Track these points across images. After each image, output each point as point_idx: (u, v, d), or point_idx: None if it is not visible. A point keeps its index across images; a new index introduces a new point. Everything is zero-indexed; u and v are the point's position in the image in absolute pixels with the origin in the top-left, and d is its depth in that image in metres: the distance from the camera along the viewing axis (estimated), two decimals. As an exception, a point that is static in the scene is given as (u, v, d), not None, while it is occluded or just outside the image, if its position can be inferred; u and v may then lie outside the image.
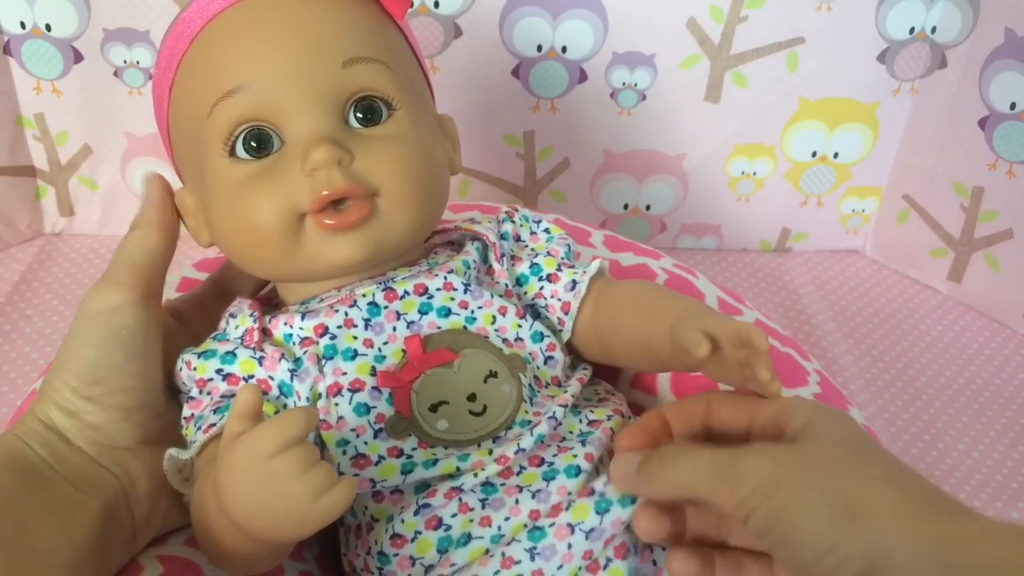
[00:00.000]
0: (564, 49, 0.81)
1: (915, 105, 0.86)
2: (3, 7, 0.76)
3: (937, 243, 0.89)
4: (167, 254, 0.47)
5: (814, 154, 0.88)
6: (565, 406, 0.46)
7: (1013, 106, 0.78)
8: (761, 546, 0.40)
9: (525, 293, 0.51)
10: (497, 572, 0.42)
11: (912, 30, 0.82)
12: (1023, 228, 0.82)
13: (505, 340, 0.48)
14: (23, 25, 0.77)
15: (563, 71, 0.82)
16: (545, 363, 0.49)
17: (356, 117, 0.45)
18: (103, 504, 0.43)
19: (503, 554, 0.42)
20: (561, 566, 0.42)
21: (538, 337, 0.49)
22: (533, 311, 0.51)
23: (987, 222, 0.84)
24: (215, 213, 0.46)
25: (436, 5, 0.78)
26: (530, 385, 0.47)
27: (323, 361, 0.45)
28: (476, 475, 0.43)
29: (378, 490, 0.44)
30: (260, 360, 0.45)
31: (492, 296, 0.48)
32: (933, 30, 0.82)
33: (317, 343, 0.45)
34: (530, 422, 0.45)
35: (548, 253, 0.52)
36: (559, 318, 0.50)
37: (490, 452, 0.44)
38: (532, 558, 0.42)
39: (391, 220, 0.45)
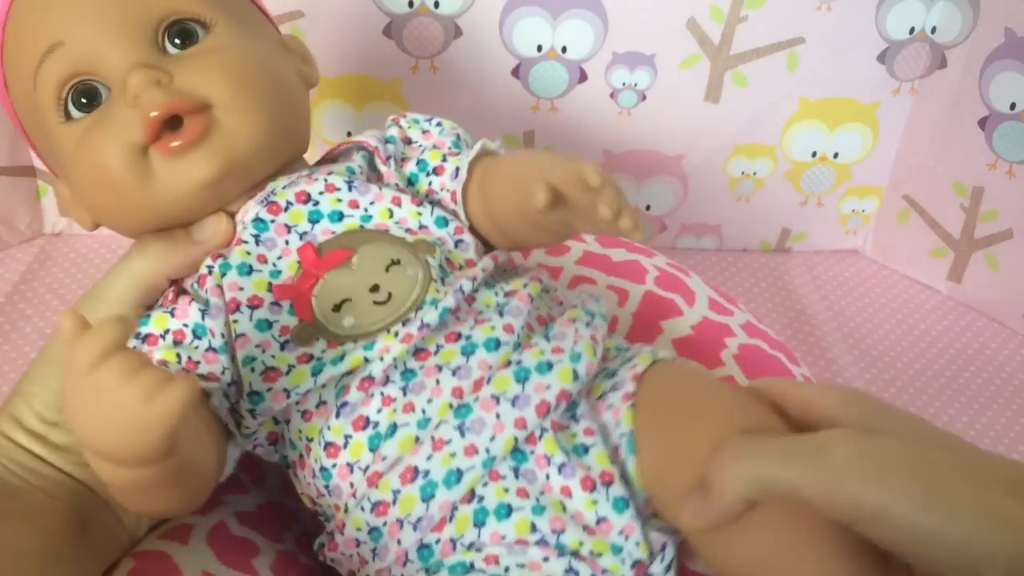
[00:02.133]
0: (564, 49, 0.81)
1: (915, 105, 0.86)
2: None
3: (937, 243, 0.89)
4: (155, 293, 0.46)
5: (814, 154, 0.88)
6: (473, 279, 0.45)
7: (1013, 106, 0.78)
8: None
9: (417, 192, 0.50)
10: (430, 456, 0.41)
11: (912, 30, 0.82)
12: (1023, 228, 0.82)
13: (408, 230, 0.47)
14: (23, 25, 0.77)
15: (563, 71, 0.82)
16: (456, 246, 0.48)
17: (173, 44, 0.45)
18: (79, 508, 0.43)
19: (432, 438, 0.42)
20: (494, 437, 0.41)
21: (442, 222, 0.48)
22: (431, 200, 0.49)
23: (987, 222, 0.84)
24: (74, 182, 0.46)
25: (436, 5, 0.78)
26: (440, 266, 0.46)
27: (223, 281, 0.44)
28: (383, 359, 0.42)
29: (305, 409, 0.44)
30: (172, 312, 0.45)
31: (381, 189, 0.48)
32: (933, 30, 0.82)
33: (213, 268, 0.45)
34: (439, 300, 0.44)
35: (434, 146, 0.51)
36: (453, 210, 0.49)
37: (396, 335, 0.43)
38: (462, 434, 0.41)
39: (233, 128, 0.44)
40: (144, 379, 0.34)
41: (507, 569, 0.41)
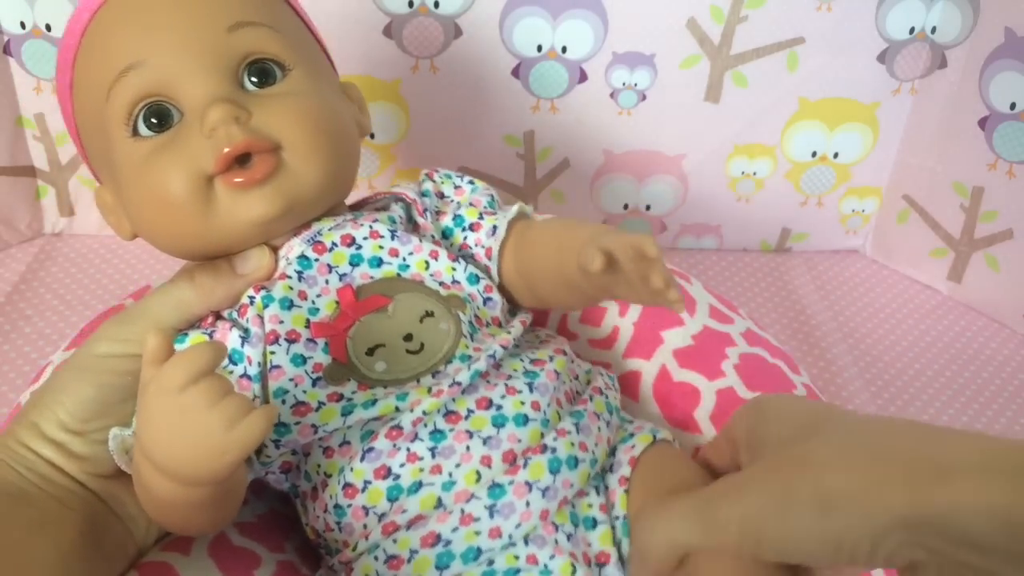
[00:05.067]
0: (564, 49, 0.81)
1: (915, 105, 0.86)
2: (3, 7, 0.76)
3: (937, 243, 0.89)
4: (194, 321, 0.47)
5: (814, 154, 0.88)
6: (506, 347, 0.47)
7: (1013, 106, 0.78)
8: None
9: (451, 245, 0.52)
10: (455, 529, 0.42)
11: (912, 30, 0.82)
12: (1023, 228, 0.82)
13: (442, 283, 0.49)
14: (23, 25, 0.77)
15: (563, 71, 0.82)
16: (484, 304, 0.50)
17: (251, 81, 0.46)
18: (92, 517, 0.43)
19: (462, 511, 0.42)
20: (519, 524, 0.42)
21: (474, 279, 0.50)
22: (465, 256, 0.51)
23: (987, 222, 0.84)
24: (129, 196, 0.47)
25: (436, 5, 0.78)
26: (470, 322, 0.48)
27: (264, 313, 0.46)
28: (413, 411, 0.43)
29: (328, 446, 0.45)
30: (210, 334, 0.46)
31: (421, 241, 0.50)
32: (933, 30, 0.82)
33: (255, 299, 0.46)
34: (470, 357, 0.46)
35: (471, 204, 0.53)
36: (485, 265, 0.51)
37: (429, 390, 0.44)
38: (491, 515, 0.42)
39: (298, 171, 0.45)
40: (230, 405, 0.36)
41: None
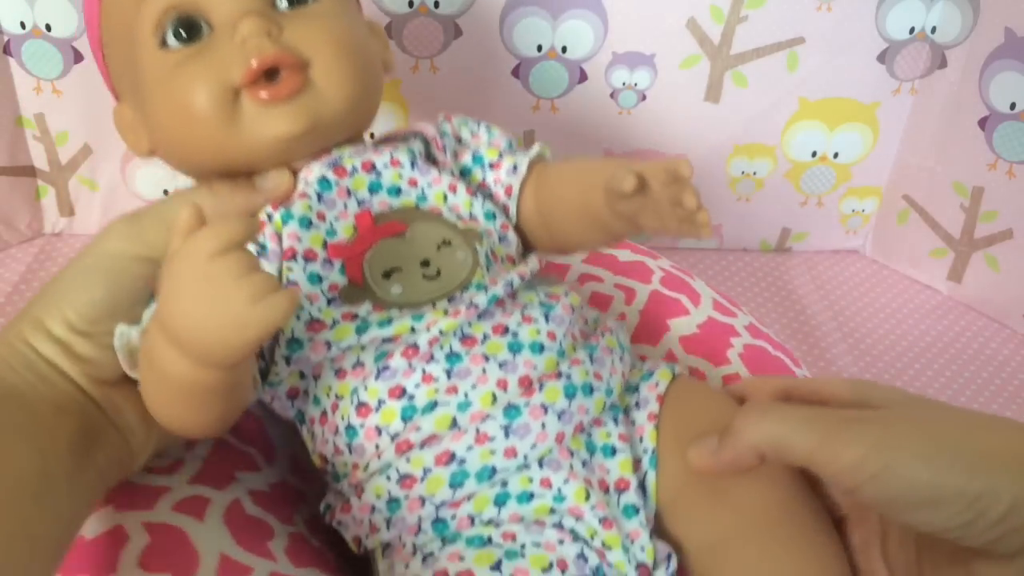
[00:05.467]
0: (564, 49, 0.81)
1: (915, 105, 0.86)
2: (3, 7, 0.76)
3: (937, 243, 0.89)
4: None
5: (814, 154, 0.88)
6: (523, 277, 0.47)
7: (1013, 106, 0.78)
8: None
9: (470, 183, 0.52)
10: (470, 447, 0.42)
11: (912, 30, 0.82)
12: (1023, 228, 0.82)
13: (459, 217, 0.49)
14: (23, 25, 0.77)
15: (563, 71, 0.82)
16: (500, 241, 0.50)
17: (283, 2, 0.46)
18: (87, 426, 0.42)
19: (477, 430, 0.43)
20: (535, 445, 0.43)
21: (491, 215, 0.50)
22: (484, 194, 0.52)
23: (987, 222, 0.84)
24: (151, 107, 0.47)
25: (436, 5, 0.78)
26: (486, 255, 0.48)
27: (282, 230, 0.46)
28: (429, 330, 0.43)
29: (340, 367, 0.44)
30: None
31: (441, 173, 0.50)
32: (933, 30, 0.82)
33: (273, 216, 0.46)
34: (486, 286, 0.46)
35: (490, 144, 0.53)
36: (504, 204, 0.52)
37: (445, 312, 0.45)
38: (507, 435, 0.43)
39: (325, 91, 0.45)
40: (256, 281, 0.36)
41: (523, 546, 0.42)
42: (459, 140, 0.54)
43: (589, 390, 0.45)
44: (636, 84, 0.83)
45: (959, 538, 0.34)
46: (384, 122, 0.84)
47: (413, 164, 0.49)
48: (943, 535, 0.35)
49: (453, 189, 0.50)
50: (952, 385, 0.79)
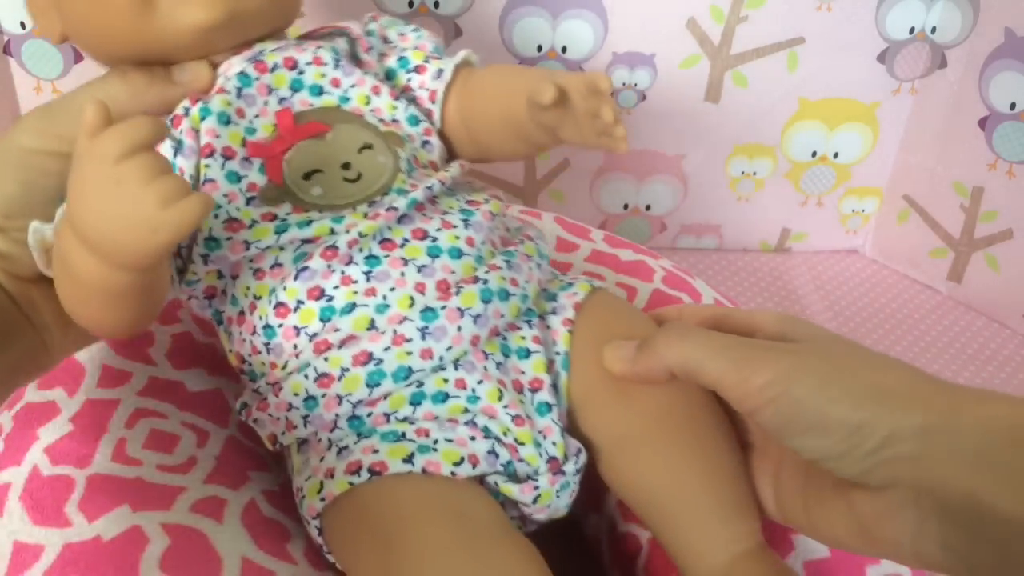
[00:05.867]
0: (564, 49, 0.81)
1: (915, 105, 0.86)
2: (3, 7, 0.76)
3: (937, 243, 0.89)
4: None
5: (814, 154, 0.88)
6: (443, 183, 0.47)
7: (1013, 106, 0.78)
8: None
9: (395, 86, 0.51)
10: (387, 348, 0.43)
11: (912, 30, 0.82)
12: (1023, 228, 0.82)
13: (381, 120, 0.49)
14: (23, 25, 0.77)
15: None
16: (423, 146, 0.50)
17: None
18: (1, 320, 0.42)
19: (394, 331, 0.43)
20: (450, 347, 0.43)
21: (414, 120, 0.50)
22: (407, 97, 0.51)
23: (987, 222, 0.84)
24: None
25: (436, 5, 0.78)
26: (408, 160, 0.48)
27: (200, 126, 0.45)
28: (349, 232, 0.43)
29: (259, 267, 0.44)
30: None
31: (365, 75, 0.49)
32: (933, 30, 0.82)
33: (190, 110, 0.45)
34: (407, 191, 0.46)
35: (416, 47, 0.53)
36: (428, 108, 0.51)
37: (365, 215, 0.44)
38: (423, 337, 0.43)
39: None
40: (167, 184, 0.35)
41: (435, 441, 0.43)
42: (386, 40, 0.54)
43: (505, 295, 0.45)
44: (636, 84, 0.83)
45: (836, 468, 0.37)
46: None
47: (337, 64, 0.49)
48: (823, 464, 0.37)
49: (376, 91, 0.49)
50: (952, 385, 0.79)
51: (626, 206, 0.91)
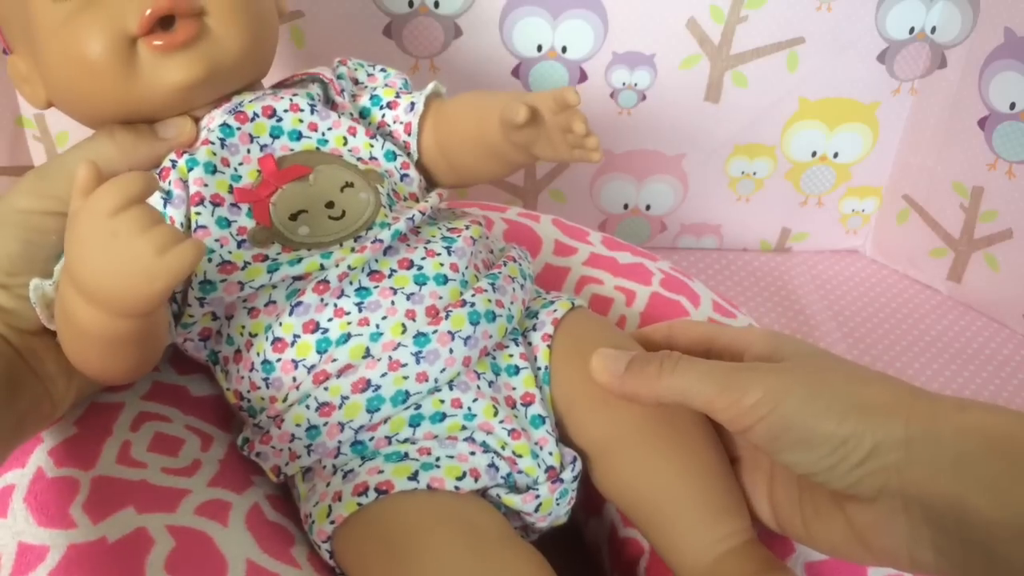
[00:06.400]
0: (564, 49, 0.81)
1: (915, 105, 0.86)
2: (3, 7, 0.76)
3: (937, 243, 0.89)
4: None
5: (814, 154, 0.88)
6: (424, 212, 0.49)
7: (1013, 106, 0.78)
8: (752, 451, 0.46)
9: (369, 124, 0.54)
10: (384, 374, 0.44)
11: (912, 30, 0.82)
12: (1023, 228, 0.82)
13: (359, 159, 0.51)
14: (23, 25, 0.77)
15: (563, 71, 0.82)
16: (401, 180, 0.52)
17: None
18: (7, 374, 0.43)
19: (390, 357, 0.44)
20: (444, 369, 0.45)
21: (391, 156, 0.52)
22: (382, 134, 0.53)
23: (987, 222, 0.84)
24: (47, 60, 0.47)
25: (436, 5, 0.78)
26: (388, 195, 0.50)
27: (188, 176, 0.46)
28: (338, 266, 0.45)
29: (253, 307, 0.46)
30: None
31: (340, 117, 0.51)
32: (933, 30, 0.82)
33: (177, 163, 0.47)
34: (389, 224, 0.48)
35: (386, 85, 0.55)
36: (404, 141, 0.53)
37: (352, 249, 0.46)
38: (417, 361, 0.45)
39: (221, 38, 0.46)
40: (160, 233, 0.37)
41: (438, 459, 0.45)
42: (356, 82, 0.56)
43: (492, 317, 0.47)
44: (636, 84, 0.83)
45: (825, 481, 0.38)
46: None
47: (313, 109, 0.51)
48: (813, 478, 0.38)
49: (353, 132, 0.51)
50: (952, 385, 0.79)
51: (626, 206, 0.91)
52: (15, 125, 0.82)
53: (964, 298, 0.89)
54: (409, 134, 0.53)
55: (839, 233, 0.95)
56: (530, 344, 0.49)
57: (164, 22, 0.44)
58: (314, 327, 0.45)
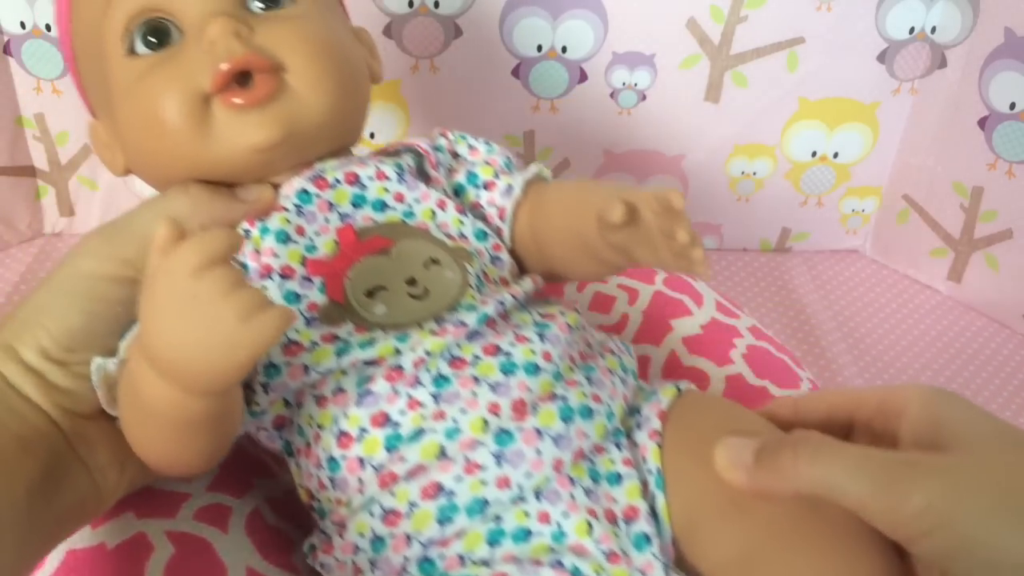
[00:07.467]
0: (564, 49, 0.81)
1: (915, 105, 0.86)
2: (3, 7, 0.76)
3: (937, 243, 0.89)
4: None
5: (814, 154, 0.88)
6: (516, 297, 0.45)
7: (1013, 106, 0.78)
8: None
9: (462, 202, 0.49)
10: (459, 478, 0.39)
11: (912, 30, 0.82)
12: (1023, 228, 0.82)
13: (448, 235, 0.46)
14: (23, 25, 0.77)
15: (563, 71, 0.82)
16: (492, 262, 0.47)
17: (257, 4, 0.44)
18: (52, 467, 0.39)
19: (466, 458, 0.39)
20: (530, 474, 0.39)
21: (482, 235, 0.48)
22: (475, 214, 0.49)
23: (987, 222, 0.84)
24: (122, 119, 0.45)
25: (436, 5, 0.78)
26: (477, 276, 0.45)
27: (260, 246, 0.43)
28: (415, 351, 0.41)
29: (321, 394, 0.42)
30: None
31: (430, 189, 0.47)
32: (933, 30, 0.82)
33: (250, 232, 0.44)
34: (476, 307, 0.43)
35: (486, 163, 0.51)
36: (497, 226, 0.49)
37: (432, 332, 0.42)
38: (499, 463, 0.39)
39: (302, 96, 0.43)
40: (245, 297, 0.33)
41: None
42: (455, 156, 0.52)
43: (587, 413, 0.41)
44: (636, 84, 0.83)
45: None
46: (384, 122, 0.84)
47: (400, 178, 0.47)
48: None
49: (442, 206, 0.47)
50: (952, 385, 0.79)
51: (626, 206, 0.91)
52: (15, 125, 0.82)
53: (964, 298, 0.89)
54: (503, 219, 0.49)
55: (839, 233, 0.95)
56: (636, 445, 0.43)
57: (241, 79, 0.42)
58: (384, 420, 0.40)
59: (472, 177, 0.50)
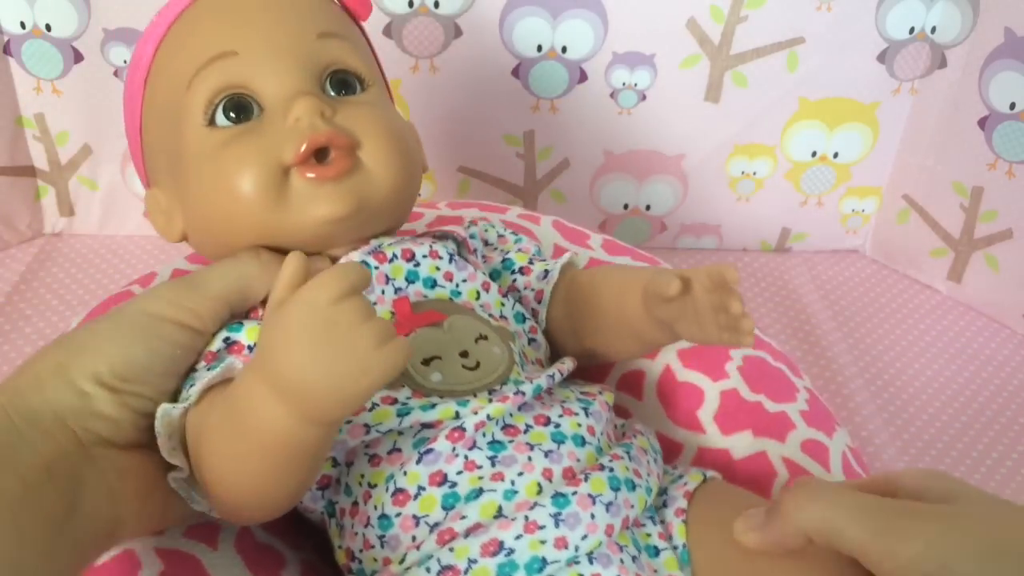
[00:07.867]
0: (564, 49, 0.81)
1: (915, 105, 0.86)
2: (3, 7, 0.76)
3: (937, 243, 0.89)
4: (249, 302, 0.46)
5: (814, 154, 0.88)
6: (563, 373, 0.47)
7: (1013, 106, 0.78)
8: None
9: (501, 285, 0.52)
10: (519, 536, 0.40)
11: (912, 30, 0.82)
12: (1023, 228, 0.82)
13: (491, 315, 0.49)
14: (23, 25, 0.77)
15: (563, 71, 0.82)
16: (529, 343, 0.50)
17: (331, 89, 0.47)
18: (72, 496, 0.38)
19: (526, 518, 0.41)
20: (586, 536, 0.41)
21: (520, 318, 0.50)
22: (513, 296, 0.52)
23: (987, 222, 0.84)
24: (195, 187, 0.46)
25: (436, 5, 0.78)
26: (520, 354, 0.48)
27: None
28: (476, 414, 0.42)
29: (374, 453, 0.43)
30: None
31: (475, 271, 0.50)
32: (933, 30, 0.82)
33: None
34: (523, 382, 0.45)
35: (519, 250, 0.55)
36: (533, 308, 0.52)
37: (489, 399, 0.44)
38: (556, 524, 0.41)
39: (374, 174, 0.46)
40: (378, 326, 0.35)
41: None
42: (486, 243, 0.55)
43: (632, 485, 0.43)
44: (636, 84, 0.83)
45: None
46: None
47: (451, 259, 0.49)
48: None
49: (486, 288, 0.50)
50: (952, 385, 0.79)
51: (626, 206, 0.91)
52: (15, 125, 0.82)
53: (964, 298, 0.89)
54: (540, 302, 0.52)
55: (839, 233, 0.95)
56: (663, 522, 0.45)
57: (319, 154, 0.44)
58: (442, 479, 0.41)
59: (508, 263, 0.54)
